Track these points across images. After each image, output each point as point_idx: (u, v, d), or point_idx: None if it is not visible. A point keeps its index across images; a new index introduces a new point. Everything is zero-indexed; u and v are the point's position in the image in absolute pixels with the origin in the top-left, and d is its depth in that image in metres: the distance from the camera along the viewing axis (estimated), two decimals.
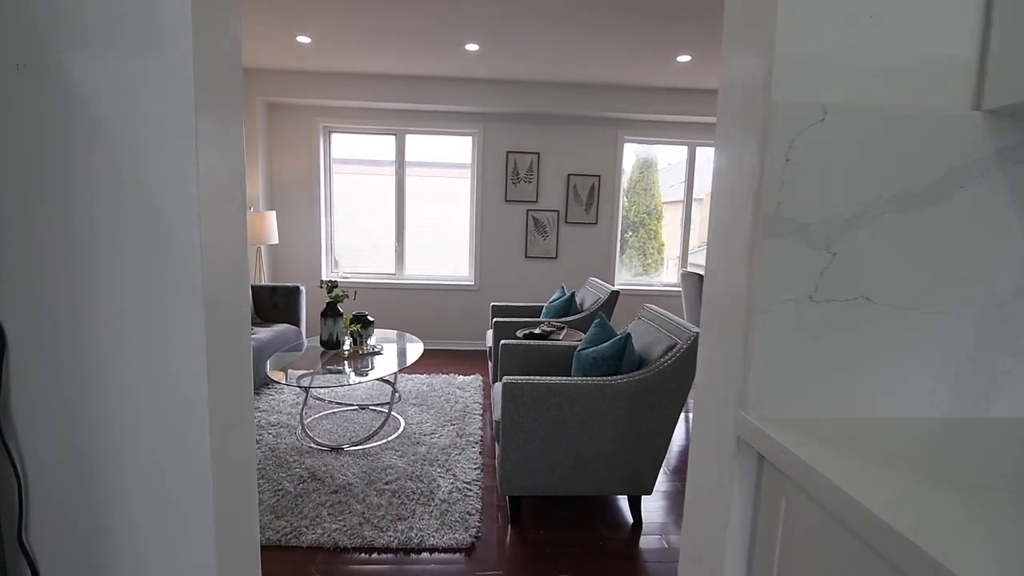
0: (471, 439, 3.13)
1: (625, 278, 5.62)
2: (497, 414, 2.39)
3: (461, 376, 4.34)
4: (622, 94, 4.92)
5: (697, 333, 2.24)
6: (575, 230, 5.34)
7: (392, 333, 3.74)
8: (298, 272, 5.22)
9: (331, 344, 3.19)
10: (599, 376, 2.26)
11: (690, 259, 5.56)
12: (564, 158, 5.23)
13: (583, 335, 3.18)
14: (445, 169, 5.37)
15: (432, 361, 4.87)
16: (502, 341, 2.85)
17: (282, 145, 5.08)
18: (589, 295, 3.91)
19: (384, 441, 3.05)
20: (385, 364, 3.13)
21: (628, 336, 2.38)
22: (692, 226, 5.58)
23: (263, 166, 4.94)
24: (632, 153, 5.48)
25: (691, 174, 5.45)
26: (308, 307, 4.85)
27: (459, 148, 5.30)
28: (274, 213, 4.54)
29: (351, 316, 3.23)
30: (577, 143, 5.23)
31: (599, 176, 5.27)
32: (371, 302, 5.28)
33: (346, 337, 3.18)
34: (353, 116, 5.08)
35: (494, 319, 3.59)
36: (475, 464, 2.82)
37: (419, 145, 5.27)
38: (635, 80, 4.70)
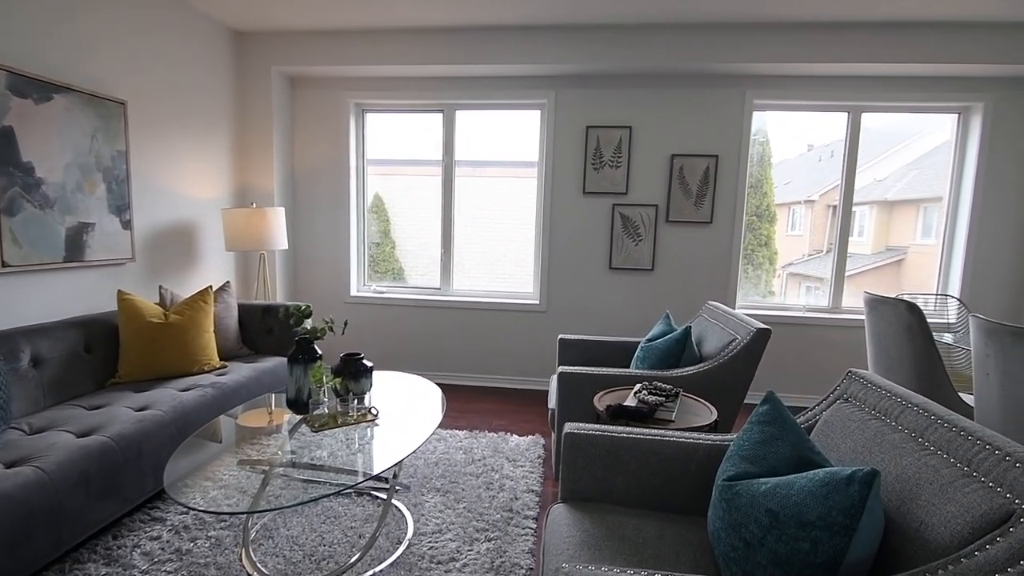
0: (515, 572, 1.83)
1: (751, 300, 4.06)
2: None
3: (516, 437, 3.04)
4: (756, 33, 3.42)
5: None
6: (680, 232, 3.88)
7: (410, 381, 2.53)
8: (319, 287, 4.20)
9: (299, 405, 2.03)
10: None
11: (792, 270, 3.92)
12: (666, 133, 3.80)
13: (707, 410, 1.77)
14: (505, 168, 4.13)
15: (481, 406, 3.62)
16: (567, 428, 1.52)
17: (307, 128, 4.10)
18: (713, 331, 2.47)
19: (371, 573, 1.83)
20: (380, 446, 1.90)
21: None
22: (798, 231, 3.96)
23: (281, 154, 3.97)
24: (761, 123, 3.92)
25: (852, 150, 3.79)
26: None
27: (523, 133, 4.04)
28: (282, 211, 3.54)
29: (328, 365, 2.04)
30: (685, 111, 3.78)
31: (716, 157, 3.78)
32: (408, 325, 4.14)
33: (322, 396, 2.00)
34: (390, 88, 3.99)
35: (559, 367, 2.26)
36: None
37: (473, 125, 4.07)
38: (773, 11, 3.20)
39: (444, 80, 3.92)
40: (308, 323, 2.09)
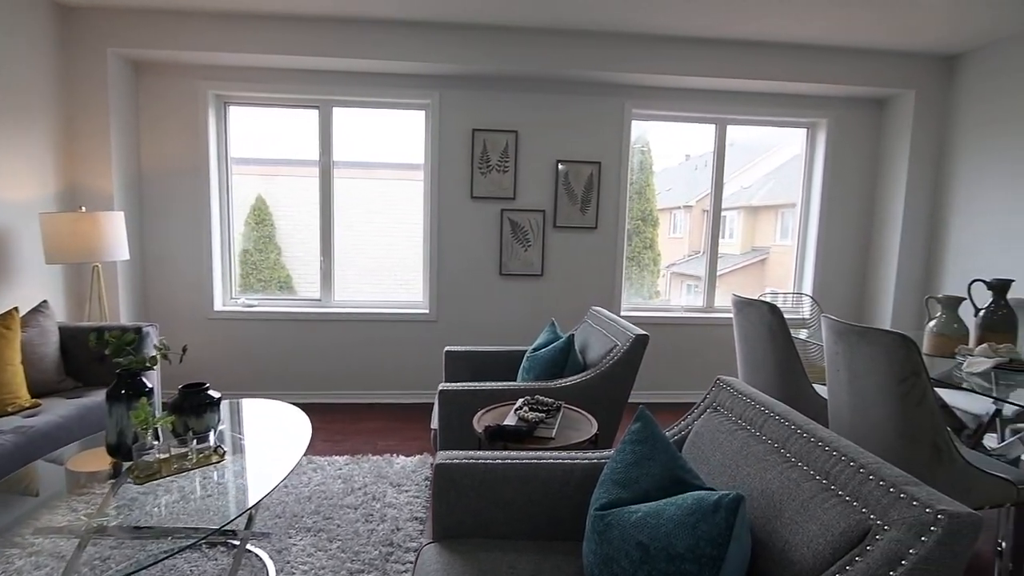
0: None
1: (634, 303, 4.19)
2: None
3: (402, 458, 2.84)
4: (632, 45, 3.52)
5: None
6: (567, 237, 3.90)
7: (272, 409, 2.24)
8: (175, 302, 3.70)
9: (123, 451, 1.68)
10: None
11: (674, 270, 4.20)
12: (551, 139, 3.81)
13: (588, 422, 1.72)
14: (389, 171, 3.91)
15: (366, 426, 3.37)
16: (437, 459, 1.38)
17: (156, 122, 3.58)
18: (596, 338, 2.45)
19: None
20: (226, 492, 1.62)
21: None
22: (679, 234, 4.26)
23: (122, 151, 3.43)
24: (637, 133, 4.07)
25: (720, 160, 4.05)
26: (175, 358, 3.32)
27: (408, 133, 3.85)
28: (121, 216, 3.04)
29: (153, 407, 1.73)
30: (569, 118, 3.81)
31: (599, 164, 3.85)
32: (285, 342, 3.77)
33: (149, 438, 1.67)
34: (257, 80, 3.60)
35: (440, 385, 2.11)
36: None
37: (354, 123, 3.80)
38: (651, 24, 3.31)
39: (319, 74, 3.62)
40: (162, 345, 1.74)
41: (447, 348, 2.76)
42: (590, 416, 1.82)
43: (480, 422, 1.73)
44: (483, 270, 3.85)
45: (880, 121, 4.02)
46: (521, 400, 1.84)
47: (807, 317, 4.09)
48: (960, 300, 2.42)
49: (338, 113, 3.76)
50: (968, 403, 2.44)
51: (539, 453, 1.40)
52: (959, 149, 3.66)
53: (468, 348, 2.75)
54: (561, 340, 2.33)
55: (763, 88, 3.80)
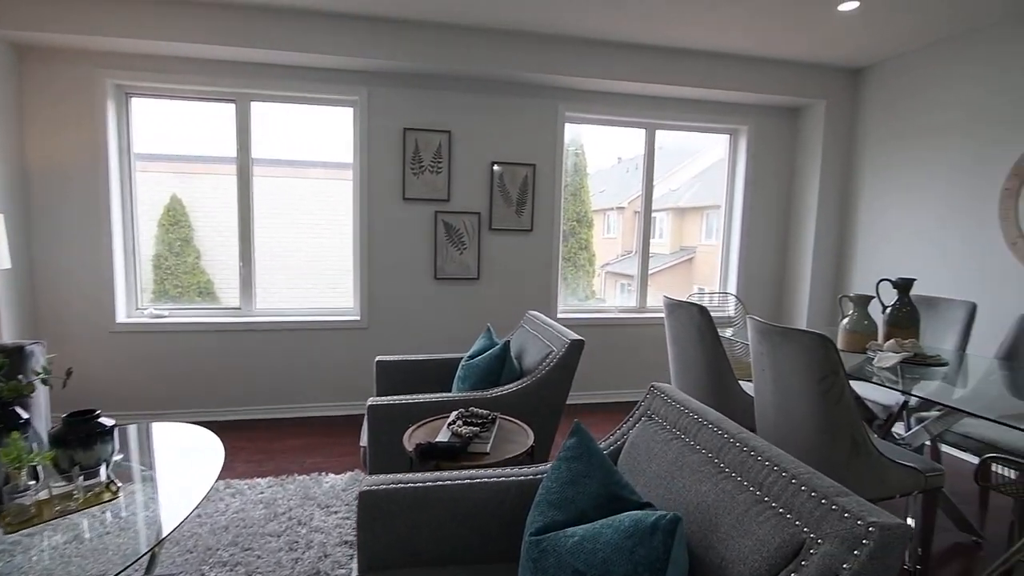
0: None
1: (571, 304, 4.20)
2: None
3: (331, 476, 2.68)
4: (565, 48, 3.52)
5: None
6: (503, 239, 3.85)
7: (180, 434, 2.03)
8: (70, 314, 3.32)
9: None
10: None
11: (608, 270, 4.31)
12: (486, 140, 3.74)
13: (525, 433, 1.67)
14: (316, 169, 3.70)
15: (292, 443, 3.16)
16: (362, 486, 1.27)
17: (43, 113, 3.19)
18: (533, 343, 2.41)
19: None
20: (119, 534, 1.43)
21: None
22: (612, 235, 4.39)
23: (1, 145, 3.03)
24: (571, 135, 4.09)
25: (650, 163, 4.15)
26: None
27: (335, 131, 3.66)
28: (0, 218, 2.67)
29: (30, 440, 1.52)
30: (503, 119, 3.76)
31: (534, 166, 3.83)
32: (200, 355, 3.48)
33: (24, 478, 1.44)
34: (163, 70, 3.29)
35: (369, 400, 1.98)
36: None
37: (276, 119, 3.56)
38: (582, 27, 3.32)
39: (235, 65, 3.36)
40: (43, 369, 1.51)
41: (378, 358, 2.63)
42: (526, 427, 1.77)
43: (411, 439, 1.64)
44: (417, 274, 3.73)
45: (795, 129, 4.26)
46: (455, 413, 1.76)
47: (732, 315, 4.27)
48: (869, 299, 2.58)
49: (261, 108, 3.51)
50: (879, 395, 2.60)
51: (472, 472, 1.32)
52: (864, 157, 3.93)
53: (401, 357, 2.63)
54: (497, 347, 2.27)
55: (690, 95, 3.92)
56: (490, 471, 1.35)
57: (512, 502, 1.30)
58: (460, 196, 3.73)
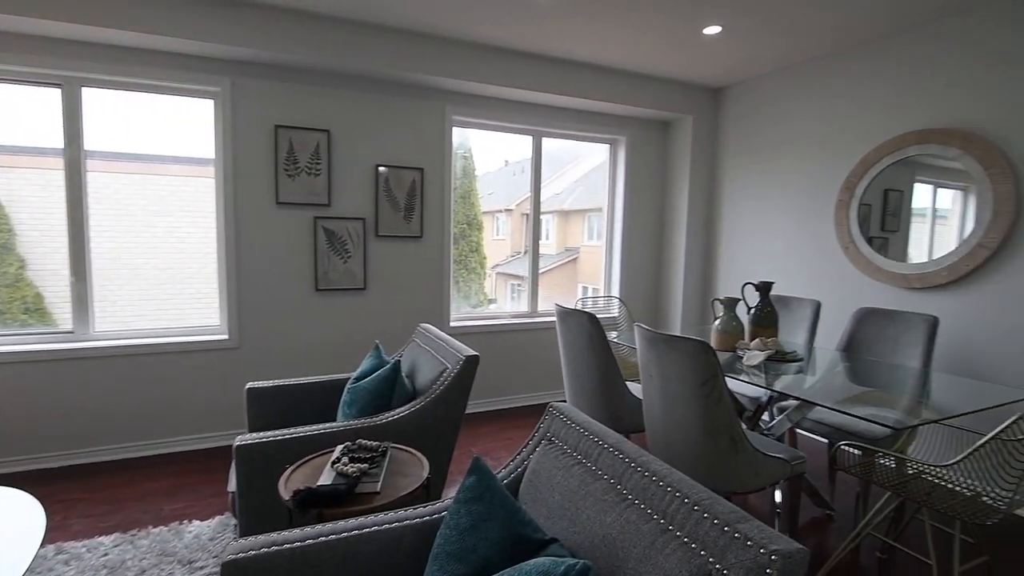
0: None
1: (464, 311, 4.13)
2: None
3: (196, 523, 2.33)
4: (452, 50, 3.43)
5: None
6: (391, 247, 3.67)
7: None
8: None
9: None
10: None
11: (499, 271, 4.36)
12: (370, 142, 3.53)
13: (419, 462, 1.56)
14: (168, 165, 3.23)
15: (148, 486, 2.72)
16: (225, 557, 1.08)
17: None
18: (425, 360, 2.29)
19: None
20: None
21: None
22: (502, 236, 4.45)
23: None
24: (460, 139, 4.02)
25: (537, 168, 4.20)
26: None
27: (194, 125, 3.22)
28: None
29: None
30: (389, 121, 3.58)
31: (422, 170, 3.69)
32: (24, 390, 2.87)
33: None
34: None
35: (238, 439, 1.73)
36: None
37: (114, 108, 3.05)
38: (468, 32, 3.25)
39: (59, 44, 2.82)
40: None
41: (249, 385, 2.33)
42: (421, 455, 1.65)
43: (287, 485, 1.44)
44: (295, 285, 3.41)
45: (667, 141, 4.56)
46: (340, 448, 1.59)
47: (616, 316, 4.47)
48: (736, 301, 2.80)
49: (97, 95, 2.98)
50: (748, 389, 2.84)
51: (362, 521, 1.18)
52: (725, 169, 4.31)
53: (277, 383, 2.36)
54: (387, 367, 2.12)
55: (574, 105, 4.03)
56: (382, 516, 1.22)
57: (408, 551, 1.18)
58: (342, 201, 3.48)
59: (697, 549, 0.85)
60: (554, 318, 3.61)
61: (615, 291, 4.56)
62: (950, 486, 1.84)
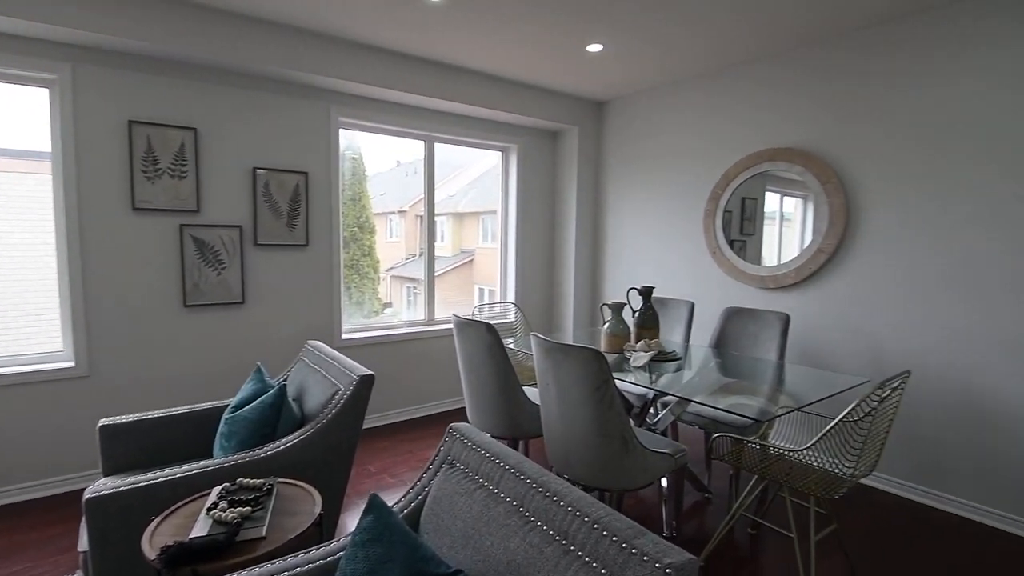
0: None
1: (357, 323, 3.95)
2: None
3: None
4: (336, 49, 3.25)
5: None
6: (274, 257, 3.40)
7: None
8: None
9: None
10: None
11: (393, 273, 4.30)
12: (246, 142, 3.25)
13: (311, 498, 1.46)
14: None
15: None
16: None
17: None
18: (315, 381, 2.14)
19: None
20: None
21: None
22: (395, 238, 4.40)
23: None
24: (348, 140, 3.84)
25: (430, 171, 4.14)
26: None
27: (21, 108, 2.74)
28: None
29: None
30: (268, 120, 3.31)
31: (306, 174, 3.47)
32: None
33: None
34: None
35: (86, 492, 1.49)
36: None
37: None
38: (357, 32, 3.11)
39: None
40: None
41: (102, 422, 2.03)
42: (311, 489, 1.54)
43: (153, 540, 1.26)
44: (159, 301, 3.04)
45: (556, 151, 4.73)
46: (217, 490, 1.43)
47: (512, 320, 4.54)
48: (623, 305, 2.97)
49: None
50: (634, 387, 3.02)
51: (244, 575, 1.07)
52: (608, 178, 4.57)
53: (136, 417, 2.07)
54: (271, 391, 1.95)
55: (467, 112, 4.02)
56: (268, 566, 1.12)
57: None
58: (214, 207, 3.17)
59: (598, 568, 0.88)
60: (452, 325, 3.57)
61: (511, 293, 4.63)
62: (809, 462, 2.10)
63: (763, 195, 3.47)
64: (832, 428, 1.85)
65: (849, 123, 3.06)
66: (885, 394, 1.87)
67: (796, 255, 3.30)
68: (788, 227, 3.36)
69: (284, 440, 1.82)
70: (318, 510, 1.41)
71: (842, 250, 3.12)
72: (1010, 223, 2.51)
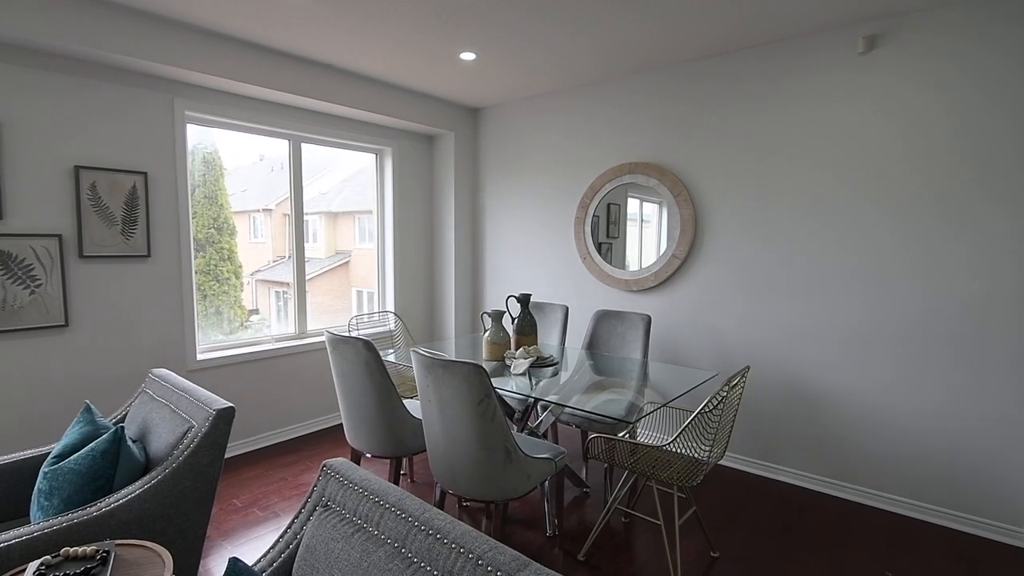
0: None
1: (215, 341, 3.55)
2: None
3: None
4: (180, 34, 2.89)
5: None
6: (106, 270, 2.94)
7: None
8: None
9: None
10: None
11: (259, 277, 4.01)
12: (65, 137, 2.76)
13: (159, 560, 1.29)
14: None
15: None
16: None
17: None
18: (162, 417, 1.88)
19: None
20: None
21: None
22: (261, 239, 4.08)
23: None
24: (200, 136, 3.44)
25: (297, 171, 3.86)
26: None
27: None
28: None
29: None
30: (93, 112, 2.84)
31: (145, 174, 3.04)
32: None
33: None
34: None
35: None
36: None
37: None
38: (207, 17, 2.78)
39: None
40: None
41: None
42: (160, 550, 1.35)
43: None
44: None
45: (433, 155, 4.67)
46: (34, 567, 1.19)
47: (392, 329, 4.41)
48: (502, 313, 3.02)
49: None
50: (515, 392, 3.09)
51: None
52: (486, 184, 4.62)
53: None
54: (104, 436, 1.68)
55: (337, 112, 3.81)
56: None
57: None
58: (22, 212, 2.65)
59: None
60: (324, 338, 3.37)
61: (390, 297, 4.49)
62: (674, 450, 2.29)
63: (626, 200, 3.74)
64: (691, 421, 2.05)
65: (693, 141, 3.41)
66: (733, 383, 2.11)
67: (655, 260, 3.60)
68: (648, 228, 3.65)
69: (124, 492, 1.57)
70: (169, 570, 1.24)
71: (692, 256, 3.47)
72: (838, 228, 2.96)
